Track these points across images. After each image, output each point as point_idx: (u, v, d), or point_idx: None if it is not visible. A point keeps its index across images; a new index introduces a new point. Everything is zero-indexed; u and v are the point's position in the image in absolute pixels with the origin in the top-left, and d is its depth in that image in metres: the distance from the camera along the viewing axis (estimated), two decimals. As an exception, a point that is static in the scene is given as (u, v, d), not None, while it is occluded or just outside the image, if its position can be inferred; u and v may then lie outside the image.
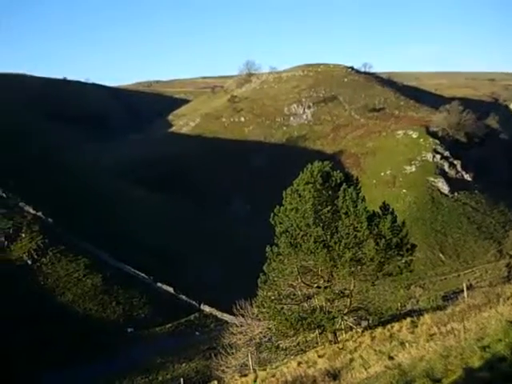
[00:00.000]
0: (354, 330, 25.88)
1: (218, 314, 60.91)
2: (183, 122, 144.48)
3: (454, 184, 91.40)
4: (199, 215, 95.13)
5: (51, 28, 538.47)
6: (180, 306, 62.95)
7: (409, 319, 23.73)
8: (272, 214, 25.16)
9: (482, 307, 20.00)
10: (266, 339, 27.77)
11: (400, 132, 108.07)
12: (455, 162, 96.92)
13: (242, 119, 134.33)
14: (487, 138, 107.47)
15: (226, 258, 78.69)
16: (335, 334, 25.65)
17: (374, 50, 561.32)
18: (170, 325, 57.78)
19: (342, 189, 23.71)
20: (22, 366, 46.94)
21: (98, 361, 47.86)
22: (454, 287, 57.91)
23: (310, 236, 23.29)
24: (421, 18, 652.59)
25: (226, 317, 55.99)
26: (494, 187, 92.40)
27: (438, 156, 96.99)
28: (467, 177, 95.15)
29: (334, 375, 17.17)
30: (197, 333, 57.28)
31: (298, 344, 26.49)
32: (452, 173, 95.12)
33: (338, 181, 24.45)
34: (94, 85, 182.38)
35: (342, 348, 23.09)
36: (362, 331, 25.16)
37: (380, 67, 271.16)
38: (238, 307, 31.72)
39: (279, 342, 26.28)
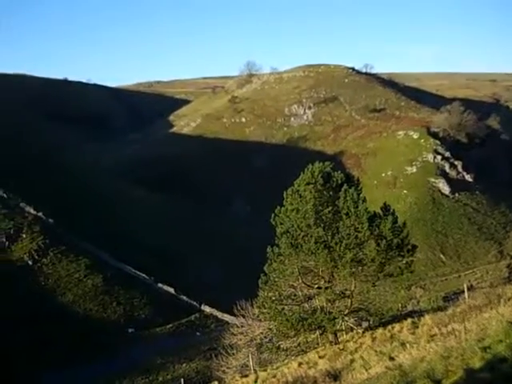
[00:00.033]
0: (354, 331, 25.86)
1: (219, 314, 60.91)
2: (184, 123, 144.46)
3: (455, 185, 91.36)
4: (200, 215, 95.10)
5: (52, 28, 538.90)
6: (180, 306, 62.94)
7: (409, 320, 23.71)
8: (273, 215, 25.16)
9: (482, 308, 19.98)
10: (267, 340, 27.76)
11: (401, 133, 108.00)
12: (456, 162, 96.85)
13: (243, 120, 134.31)
14: (488, 139, 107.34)
15: (226, 258, 78.67)
16: (336, 335, 25.64)
17: (375, 51, 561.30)
18: (170, 325, 57.80)
19: (342, 189, 23.70)
20: (22, 365, 46.96)
21: (98, 361, 47.88)
22: (454, 288, 57.91)
23: (311, 237, 23.28)
24: (422, 18, 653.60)
25: (227, 317, 55.99)
26: (495, 188, 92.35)
27: (439, 157, 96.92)
28: (468, 177, 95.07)
29: (335, 376, 17.16)
30: (197, 333, 57.28)
31: (299, 345, 26.48)
32: (453, 173, 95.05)
33: (339, 181, 24.45)
34: (94, 85, 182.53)
35: (343, 349, 23.08)
36: (363, 332, 25.15)
37: (381, 68, 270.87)
38: (239, 308, 31.71)
39: (280, 342, 26.27)
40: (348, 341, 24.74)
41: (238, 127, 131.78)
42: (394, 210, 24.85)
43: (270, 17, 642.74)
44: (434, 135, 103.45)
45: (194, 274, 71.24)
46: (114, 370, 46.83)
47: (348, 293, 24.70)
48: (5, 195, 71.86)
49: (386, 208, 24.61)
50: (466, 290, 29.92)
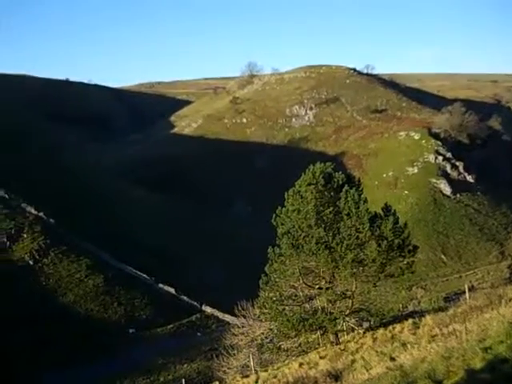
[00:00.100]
0: (355, 332, 25.85)
1: (220, 314, 60.91)
2: (185, 123, 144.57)
3: (456, 185, 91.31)
4: (201, 216, 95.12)
5: (53, 29, 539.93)
6: (181, 306, 62.94)
7: (410, 320, 23.69)
8: (274, 215, 25.16)
9: (483, 308, 19.95)
10: (268, 340, 27.74)
11: (402, 133, 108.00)
12: (457, 163, 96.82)
13: (244, 120, 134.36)
14: (489, 140, 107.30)
15: (227, 258, 78.66)
16: (337, 335, 25.63)
17: (377, 52, 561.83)
18: (171, 326, 57.79)
19: (343, 190, 23.70)
20: (22, 365, 46.98)
21: (99, 361, 47.87)
22: (455, 288, 57.84)
23: (312, 237, 23.28)
24: (423, 19, 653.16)
25: (228, 318, 55.98)
26: (497, 189, 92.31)
27: (441, 157, 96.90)
28: (469, 178, 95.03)
29: (336, 376, 17.15)
30: (198, 334, 57.28)
31: (300, 345, 26.46)
32: (454, 174, 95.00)
33: (340, 182, 24.44)
34: (96, 86, 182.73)
35: (344, 349, 23.06)
36: (364, 332, 25.13)
37: (382, 69, 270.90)
38: (240, 308, 31.70)
39: (281, 343, 26.26)
40: (349, 341, 24.72)
41: (239, 128, 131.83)
42: (395, 210, 24.84)
43: (271, 17, 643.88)
44: (436, 136, 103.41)
45: (194, 274, 71.24)
46: (115, 370, 46.83)
47: (349, 293, 24.69)
48: (6, 195, 71.91)
49: (387, 208, 24.59)
50: (466, 290, 29.86)
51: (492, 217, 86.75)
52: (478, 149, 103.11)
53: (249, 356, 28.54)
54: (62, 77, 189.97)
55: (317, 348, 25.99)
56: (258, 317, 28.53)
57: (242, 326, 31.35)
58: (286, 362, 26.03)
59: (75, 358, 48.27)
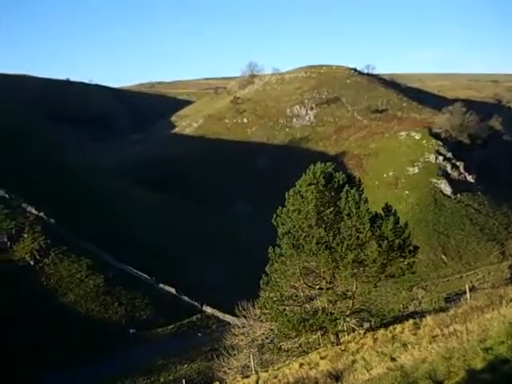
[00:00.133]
0: (356, 332, 25.83)
1: (220, 315, 60.90)
2: (186, 123, 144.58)
3: (457, 185, 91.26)
4: (201, 216, 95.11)
5: (54, 29, 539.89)
6: (182, 307, 62.93)
7: (411, 321, 23.68)
8: (274, 215, 25.14)
9: (484, 309, 19.94)
10: (268, 340, 27.71)
11: (403, 133, 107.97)
12: (458, 163, 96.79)
13: (245, 120, 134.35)
14: (490, 140, 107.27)
15: (228, 258, 78.67)
16: (337, 336, 25.61)
17: (377, 52, 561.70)
18: (172, 326, 57.78)
19: (344, 190, 23.68)
20: (23, 365, 46.99)
21: (99, 361, 47.87)
22: (456, 289, 57.75)
23: (313, 237, 23.26)
24: (424, 19, 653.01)
25: (228, 318, 55.97)
26: (497, 189, 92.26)
27: (441, 157, 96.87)
28: (470, 178, 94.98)
29: (336, 377, 17.14)
30: (199, 334, 57.27)
31: (300, 345, 26.44)
32: (455, 174, 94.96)
33: (341, 182, 24.42)
34: (96, 86, 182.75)
35: (344, 349, 23.05)
36: (364, 333, 25.12)
37: (383, 69, 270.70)
38: (240, 308, 31.67)
39: (281, 343, 26.23)
40: (349, 341, 24.72)
41: (240, 128, 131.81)
42: (395, 210, 24.81)
43: (272, 17, 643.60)
44: (436, 136, 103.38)
45: (195, 274, 71.23)
46: (116, 370, 46.82)
47: (349, 294, 24.67)
48: (6, 195, 71.93)
49: (387, 209, 24.57)
50: (467, 290, 29.85)
51: (493, 217, 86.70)
52: (478, 149, 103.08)
53: (249, 356, 28.52)
54: (62, 77, 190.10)
55: (317, 348, 25.98)
56: (259, 317, 28.50)
57: (243, 327, 31.33)
58: (287, 362, 26.03)
59: (75, 358, 48.28)
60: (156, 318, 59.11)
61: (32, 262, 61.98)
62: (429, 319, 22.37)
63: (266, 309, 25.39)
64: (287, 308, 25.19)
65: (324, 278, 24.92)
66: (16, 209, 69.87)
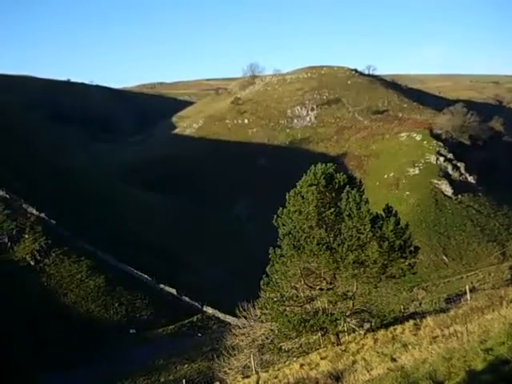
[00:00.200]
0: (356, 332, 25.81)
1: (221, 315, 60.90)
2: (187, 124, 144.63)
3: (458, 186, 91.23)
4: (202, 217, 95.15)
5: (54, 29, 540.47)
6: (182, 307, 62.94)
7: (412, 321, 23.66)
8: (275, 216, 25.12)
9: (484, 310, 19.94)
10: (269, 341, 27.67)
11: (403, 134, 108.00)
12: (459, 164, 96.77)
13: (246, 121, 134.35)
14: (491, 141, 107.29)
15: (228, 259, 78.73)
16: (338, 336, 25.59)
17: (378, 53, 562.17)
18: (172, 326, 57.78)
19: (345, 191, 23.65)
20: (23, 365, 47.02)
21: (100, 361, 47.93)
22: (456, 290, 57.62)
23: (313, 238, 23.24)
24: (425, 20, 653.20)
25: (229, 318, 55.97)
26: (498, 190, 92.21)
27: (442, 158, 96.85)
28: (471, 179, 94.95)
29: (337, 377, 17.14)
30: (199, 334, 57.25)
31: (301, 346, 26.40)
32: (455, 175, 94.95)
33: (342, 183, 24.39)
34: (97, 86, 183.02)
35: (345, 350, 23.04)
36: (365, 333, 25.09)
37: (384, 70, 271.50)
38: (241, 309, 31.65)
39: (282, 343, 26.19)
40: (350, 342, 24.70)
41: (241, 129, 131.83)
42: (396, 211, 24.77)
43: (273, 18, 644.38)
44: (437, 137, 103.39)
45: (196, 275, 71.30)
46: (116, 370, 46.84)
47: (350, 294, 24.64)
48: (7, 196, 71.93)
49: (388, 209, 24.53)
50: (468, 291, 29.82)
51: (493, 218, 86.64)
52: (479, 150, 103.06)
53: (250, 357, 28.50)
54: (63, 77, 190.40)
55: (318, 349, 25.96)
56: (259, 317, 28.48)
57: (243, 327, 31.30)
58: (287, 362, 26.01)
59: (76, 358, 48.32)
60: (156, 319, 59.13)
61: (33, 263, 62.03)
62: (429, 320, 22.36)
63: (267, 309, 25.37)
64: (288, 308, 25.16)
65: (324, 279, 24.90)
66: (17, 209, 69.89)
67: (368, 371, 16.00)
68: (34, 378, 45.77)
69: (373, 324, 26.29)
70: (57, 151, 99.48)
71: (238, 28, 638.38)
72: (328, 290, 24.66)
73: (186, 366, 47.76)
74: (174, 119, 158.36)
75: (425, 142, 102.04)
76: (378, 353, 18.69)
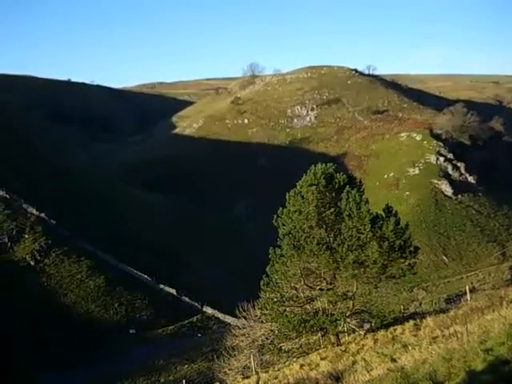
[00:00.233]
0: (356, 333, 25.79)
1: (221, 315, 60.88)
2: (187, 124, 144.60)
3: (458, 186, 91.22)
4: (202, 216, 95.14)
5: (55, 30, 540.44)
6: (182, 307, 62.93)
7: (412, 322, 23.65)
8: (275, 216, 25.10)
9: (484, 310, 19.92)
10: (269, 341, 27.65)
11: (403, 134, 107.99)
12: (459, 164, 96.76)
13: (246, 121, 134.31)
14: (491, 141, 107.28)
15: (228, 259, 78.71)
16: (338, 337, 25.57)
17: (378, 53, 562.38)
18: (172, 326, 57.77)
19: (345, 191, 23.63)
20: (23, 366, 47.02)
21: (99, 362, 47.93)
22: (456, 290, 57.62)
23: (313, 238, 23.22)
24: (425, 20, 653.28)
25: (229, 319, 55.95)
26: (498, 190, 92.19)
27: (442, 158, 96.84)
28: (471, 179, 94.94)
29: (337, 377, 17.13)
30: (199, 335, 57.23)
31: (301, 346, 26.38)
32: (455, 175, 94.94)
33: (342, 183, 24.37)
34: (97, 86, 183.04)
35: (345, 350, 23.03)
36: (365, 334, 25.07)
37: (384, 69, 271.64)
38: (241, 309, 31.63)
39: (282, 344, 26.17)
40: (350, 342, 24.68)
41: (241, 128, 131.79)
42: (396, 211, 24.75)
43: (272, 18, 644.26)
44: (437, 137, 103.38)
45: (195, 275, 71.28)
46: (116, 370, 46.84)
47: (350, 294, 24.61)
48: (7, 196, 71.92)
49: (388, 209, 24.51)
50: (468, 291, 29.80)
51: (493, 218, 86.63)
52: (479, 150, 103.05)
53: (250, 357, 28.48)
54: (63, 77, 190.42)
55: (318, 349, 25.94)
56: (259, 318, 28.46)
57: (243, 327, 31.27)
58: (287, 363, 25.99)
59: (76, 358, 48.32)
60: (156, 319, 59.11)
61: (33, 263, 62.02)
62: (429, 320, 22.34)
63: (267, 309, 25.35)
64: (287, 309, 25.14)
65: (324, 279, 24.88)
66: (17, 209, 69.88)
67: (368, 372, 15.99)
68: (34, 378, 45.77)
69: (373, 324, 26.27)
70: (57, 151, 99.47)
71: (238, 28, 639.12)
72: (328, 290, 24.64)
73: (186, 366, 47.75)
74: (173, 119, 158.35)
75: (425, 142, 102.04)
76: (378, 353, 18.68)
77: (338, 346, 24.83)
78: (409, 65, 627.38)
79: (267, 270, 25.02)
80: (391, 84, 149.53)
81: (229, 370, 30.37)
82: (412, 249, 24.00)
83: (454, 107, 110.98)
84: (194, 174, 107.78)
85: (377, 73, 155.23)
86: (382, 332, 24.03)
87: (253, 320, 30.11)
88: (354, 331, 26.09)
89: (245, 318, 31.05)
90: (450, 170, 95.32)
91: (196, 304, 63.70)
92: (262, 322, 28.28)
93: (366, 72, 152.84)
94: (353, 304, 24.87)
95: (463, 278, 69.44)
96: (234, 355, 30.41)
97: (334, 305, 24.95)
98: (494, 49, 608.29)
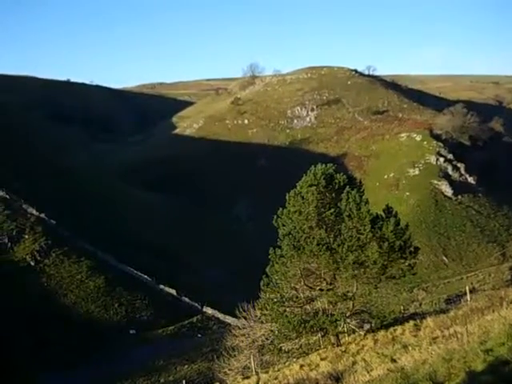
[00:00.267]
0: (356, 333, 25.79)
1: (221, 316, 60.87)
2: (187, 124, 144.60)
3: (458, 187, 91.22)
4: (202, 217, 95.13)
5: (55, 30, 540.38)
6: (182, 307, 62.93)
7: (412, 322, 23.64)
8: (275, 216, 25.10)
9: (484, 310, 19.92)
10: (269, 342, 27.65)
11: (403, 135, 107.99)
12: (459, 164, 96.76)
13: (246, 121, 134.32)
14: (491, 141, 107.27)
15: (228, 260, 78.69)
16: (338, 337, 25.57)
17: (378, 53, 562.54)
18: (172, 327, 57.76)
19: (345, 191, 23.62)
20: (23, 366, 47.01)
21: (99, 362, 47.93)
22: (456, 290, 57.59)
23: (313, 238, 23.21)
24: (425, 21, 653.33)
25: (229, 319, 55.94)
26: (498, 190, 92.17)
27: (442, 159, 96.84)
28: (471, 180, 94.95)
29: (337, 378, 17.12)
30: (199, 335, 57.23)
31: (301, 347, 26.38)
32: (455, 176, 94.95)
33: (342, 183, 24.36)
34: (97, 86, 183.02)
35: (345, 351, 23.02)
36: (365, 334, 25.06)
37: (384, 70, 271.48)
38: (241, 309, 31.64)
39: (281, 344, 26.17)
40: (350, 343, 24.67)
41: (241, 129, 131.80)
42: (396, 212, 24.74)
43: (272, 19, 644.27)
44: (437, 137, 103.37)
45: (195, 275, 71.25)
46: (116, 371, 46.83)
47: (350, 295, 24.61)
48: (7, 196, 71.91)
49: (388, 210, 24.50)
50: (468, 292, 29.80)
51: (493, 218, 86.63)
52: (479, 150, 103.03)
53: (249, 357, 28.48)
54: (63, 77, 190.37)
55: (318, 350, 25.93)
56: (259, 318, 28.47)
57: (243, 328, 31.28)
58: (287, 363, 25.98)
59: (76, 358, 48.32)
60: (156, 319, 59.11)
61: (33, 263, 62.02)
62: (429, 321, 22.34)
63: (267, 310, 25.34)
64: (287, 309, 25.13)
65: (324, 280, 24.88)
66: (17, 210, 69.88)
67: (368, 372, 15.98)
68: (34, 378, 45.77)
69: (373, 325, 26.26)
70: (57, 151, 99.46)
71: (238, 28, 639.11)
72: (328, 290, 24.63)
73: (186, 366, 47.76)
74: (174, 119, 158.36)
75: (425, 143, 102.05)
76: (378, 354, 18.67)
77: (337, 346, 24.83)
78: (409, 65, 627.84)
79: (267, 270, 25.01)
80: (391, 84, 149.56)
81: (229, 370, 30.38)
82: (412, 249, 23.99)
83: (454, 108, 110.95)
84: (194, 174, 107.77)
85: (377, 73, 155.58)
86: (382, 332, 24.03)
87: (253, 320, 30.12)
88: (354, 332, 26.08)
89: (245, 318, 31.06)
90: (449, 170, 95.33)
91: (196, 304, 63.70)
92: (261, 322, 28.29)
93: (366, 72, 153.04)
94: (353, 304, 24.87)
95: (463, 278, 69.42)
96: (234, 355, 30.43)
97: (334, 305, 24.95)
98: (494, 49, 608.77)
